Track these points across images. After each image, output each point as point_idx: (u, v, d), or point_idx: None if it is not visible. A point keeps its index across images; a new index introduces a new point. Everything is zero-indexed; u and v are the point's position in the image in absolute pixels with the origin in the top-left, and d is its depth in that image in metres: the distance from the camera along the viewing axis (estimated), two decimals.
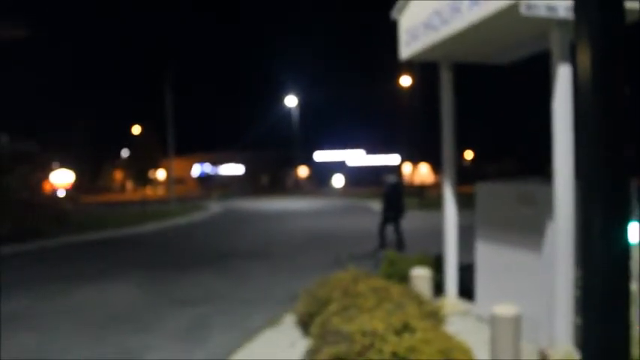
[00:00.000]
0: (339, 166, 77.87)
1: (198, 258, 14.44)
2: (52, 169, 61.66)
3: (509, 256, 6.30)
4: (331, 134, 77.23)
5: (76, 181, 73.12)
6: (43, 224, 19.66)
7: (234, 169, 77.88)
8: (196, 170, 72.42)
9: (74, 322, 8.22)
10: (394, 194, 13.78)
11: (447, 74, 7.20)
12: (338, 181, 77.20)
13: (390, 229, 14.00)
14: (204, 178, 64.63)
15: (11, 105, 26.13)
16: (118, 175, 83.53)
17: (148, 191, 31.07)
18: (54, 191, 55.19)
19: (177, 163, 51.78)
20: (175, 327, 7.72)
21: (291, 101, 54.82)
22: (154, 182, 32.90)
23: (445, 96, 7.22)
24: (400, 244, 13.50)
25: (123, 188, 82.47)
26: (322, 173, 78.04)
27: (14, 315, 8.77)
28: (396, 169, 16.32)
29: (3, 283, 11.28)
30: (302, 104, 56.91)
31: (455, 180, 7.41)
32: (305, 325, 6.33)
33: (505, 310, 5.02)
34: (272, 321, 7.59)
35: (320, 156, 78.79)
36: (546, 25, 5.14)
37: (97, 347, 6.92)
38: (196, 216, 29.55)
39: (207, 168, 65.04)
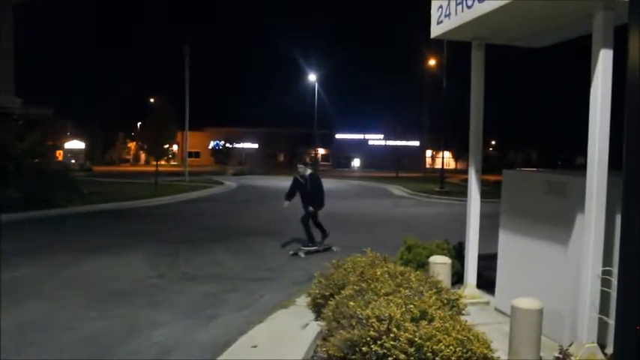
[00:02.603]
0: (359, 148, 77.61)
1: (211, 234, 14.33)
2: (65, 137, 62.20)
3: (533, 248, 6.07)
4: (351, 116, 77.04)
5: (88, 150, 73.77)
6: (54, 192, 19.65)
7: (250, 145, 77.83)
8: (212, 145, 72.54)
9: (82, 293, 8.12)
10: (313, 187, 11.87)
11: (478, 55, 6.93)
12: (357, 162, 77.04)
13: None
14: (219, 153, 64.60)
15: (28, 69, 26.05)
16: (132, 146, 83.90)
17: (162, 163, 30.99)
18: (66, 159, 55.76)
19: (192, 137, 51.95)
20: (184, 303, 7.61)
21: (312, 80, 54.40)
22: (169, 155, 33.03)
23: (475, 78, 6.95)
24: (324, 234, 12.18)
25: (137, 160, 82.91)
26: (340, 154, 77.89)
27: (22, 283, 8.72)
28: (311, 158, 14.12)
29: (12, 251, 11.27)
30: (323, 84, 56.46)
31: (480, 167, 7.17)
32: (318, 307, 6.18)
33: (526, 303, 4.82)
34: (285, 302, 7.46)
35: (339, 136, 78.48)
36: (591, 6, 4.86)
37: (102, 320, 6.81)
38: (210, 191, 29.52)
39: (222, 143, 65.09)
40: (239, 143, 73.12)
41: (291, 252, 11.46)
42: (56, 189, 19.95)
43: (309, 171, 12.03)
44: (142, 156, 74.14)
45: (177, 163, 57.78)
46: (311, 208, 11.71)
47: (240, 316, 7.03)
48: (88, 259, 10.59)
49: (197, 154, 76.11)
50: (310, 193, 11.80)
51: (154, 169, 30.45)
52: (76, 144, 70.42)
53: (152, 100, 45.89)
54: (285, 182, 38.16)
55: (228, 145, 65.47)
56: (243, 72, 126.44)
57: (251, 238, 13.48)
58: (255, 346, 5.72)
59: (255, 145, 79.83)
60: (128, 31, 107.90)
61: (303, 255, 11.18)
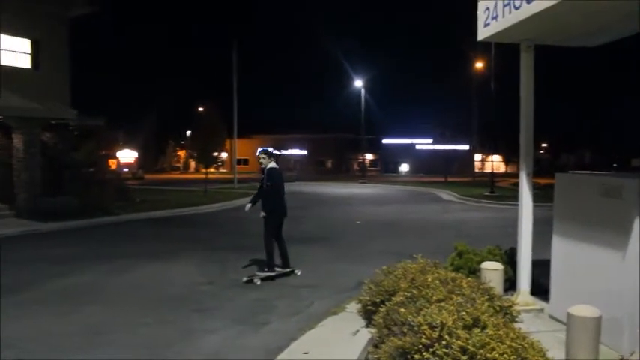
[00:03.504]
0: (407, 153, 77.13)
1: (259, 241, 14.38)
2: (117, 147, 63.72)
3: (588, 253, 5.91)
4: (399, 121, 76.70)
5: (140, 159, 75.38)
6: (107, 200, 20.18)
7: (298, 152, 78.19)
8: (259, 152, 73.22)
9: (137, 299, 8.32)
10: (269, 186, 9.70)
11: (527, 56, 6.80)
12: (405, 167, 76.57)
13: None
14: None
15: (81, 81, 26.85)
16: (182, 154, 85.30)
17: (212, 171, 31.45)
18: (118, 168, 57.08)
19: (241, 145, 52.49)
20: (235, 309, 7.68)
21: (359, 86, 54.34)
22: (218, 162, 33.56)
23: (525, 80, 6.82)
24: (285, 259, 10.08)
25: (187, 167, 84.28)
26: (389, 159, 77.54)
27: (80, 288, 8.98)
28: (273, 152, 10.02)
29: (71, 257, 11.65)
30: (370, 89, 56.35)
31: (532, 170, 7.02)
32: (369, 314, 6.15)
33: (584, 310, 4.69)
34: (334, 308, 7.45)
35: (387, 142, 78.14)
36: None
37: (157, 326, 6.96)
38: None
39: (270, 150, 65.61)
40: (287, 150, 73.58)
41: (244, 278, 9.24)
42: (110, 197, 20.49)
43: (271, 164, 9.78)
44: (192, 164, 75.38)
45: (226, 171, 58.50)
46: (262, 214, 9.59)
47: (290, 322, 7.06)
48: (142, 266, 10.83)
49: (246, 162, 76.93)
50: (265, 193, 9.71)
51: (203, 176, 30.92)
52: (128, 153, 72.09)
53: (201, 108, 46.61)
54: (333, 189, 38.35)
55: (276, 152, 65.89)
56: (291, 79, 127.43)
57: (299, 245, 13.49)
58: (307, 352, 5.73)
59: (303, 152, 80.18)
60: (178, 41, 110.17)
61: (258, 282, 9.14)
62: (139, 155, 75.53)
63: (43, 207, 18.40)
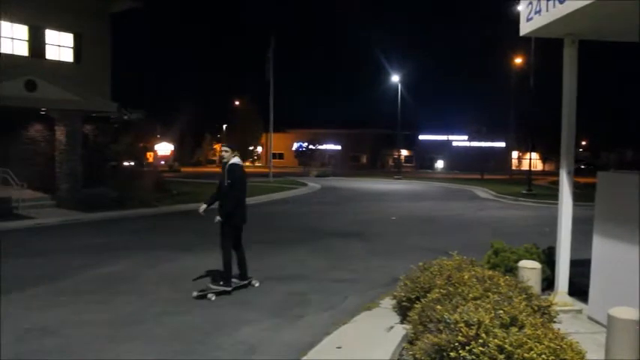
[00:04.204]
0: (442, 149, 76.46)
1: (295, 234, 14.51)
2: (155, 139, 64.64)
3: (631, 254, 5.77)
4: (435, 117, 75.99)
5: (176, 151, 76.31)
6: (145, 192, 20.50)
7: (333, 146, 78.17)
8: (295, 146, 73.53)
9: (171, 289, 8.43)
10: (230, 184, 8.23)
11: (571, 52, 6.66)
12: (440, 163, 75.95)
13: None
14: (302, 154, 65.31)
15: (121, 74, 27.30)
16: (218, 147, 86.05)
17: (248, 164, 31.68)
18: (156, 160, 57.97)
19: (277, 139, 52.71)
20: (270, 303, 7.73)
21: (396, 81, 54.00)
22: (254, 156, 33.69)
23: (568, 76, 6.68)
24: (243, 269, 8.63)
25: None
26: (424, 155, 77.00)
27: (116, 278, 9.14)
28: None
29: (108, 247, 11.88)
30: (406, 84, 55.94)
31: (572, 169, 6.89)
32: (404, 310, 6.13)
33: (625, 312, 4.58)
34: (369, 303, 7.44)
35: (422, 138, 77.56)
36: None
37: (190, 316, 7.05)
38: (295, 192, 29.85)
39: (306, 144, 65.81)
40: (322, 145, 73.67)
41: (195, 293, 7.87)
42: (147, 189, 20.81)
43: (234, 159, 8.35)
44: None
45: (261, 164, 58.91)
46: (218, 218, 8.18)
47: (324, 316, 7.07)
48: (176, 257, 10.97)
49: (281, 156, 77.24)
50: (224, 193, 8.30)
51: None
52: (165, 146, 73.03)
53: (238, 102, 47.06)
54: (367, 184, 38.27)
55: (311, 146, 66.07)
56: (327, 73, 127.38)
57: (335, 239, 13.53)
58: (340, 347, 5.73)
59: (338, 147, 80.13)
60: (216, 36, 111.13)
61: (213, 297, 7.80)
62: (175, 148, 76.49)
63: (83, 197, 18.78)
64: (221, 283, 8.12)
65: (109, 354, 5.73)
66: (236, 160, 8.37)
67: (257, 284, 8.63)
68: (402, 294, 6.27)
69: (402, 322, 6.15)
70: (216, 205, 8.41)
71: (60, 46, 21.94)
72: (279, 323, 6.78)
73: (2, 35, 20.22)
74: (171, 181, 29.47)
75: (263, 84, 40.90)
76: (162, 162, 59.19)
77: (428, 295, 5.54)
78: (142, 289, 8.39)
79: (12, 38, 20.50)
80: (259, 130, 30.91)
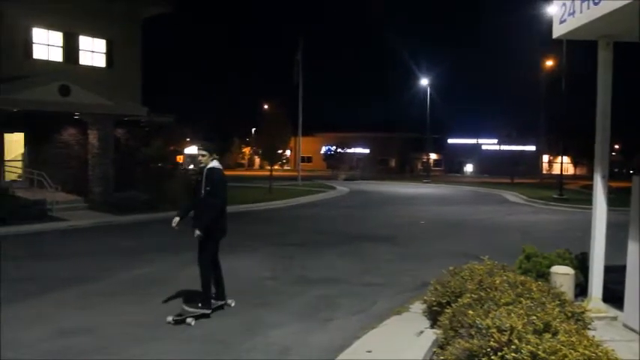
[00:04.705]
0: (471, 153, 75.84)
1: (324, 237, 14.52)
2: (185, 142, 65.25)
3: None
4: (464, 120, 75.41)
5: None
6: (175, 195, 20.70)
7: (361, 150, 78.01)
8: (324, 150, 73.46)
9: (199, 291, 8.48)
10: (209, 190, 7.21)
11: (605, 54, 6.55)
12: (469, 167, 75.34)
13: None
14: (331, 158, 65.31)
15: (152, 79, 27.63)
16: (247, 150, 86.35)
17: (276, 168, 31.77)
18: (186, 163, 58.44)
19: (305, 142, 52.80)
20: (299, 306, 7.77)
21: (424, 84, 53.68)
22: (283, 159, 33.94)
23: (602, 79, 6.58)
24: (221, 287, 7.60)
25: (251, 164, 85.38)
26: (453, 159, 76.46)
27: (149, 280, 9.27)
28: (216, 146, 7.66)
29: (141, 249, 12.05)
30: (435, 87, 55.49)
31: (607, 173, 6.77)
32: (434, 314, 6.09)
33: None
34: (398, 308, 7.41)
35: (451, 141, 76.99)
36: None
37: (224, 318, 7.12)
38: (323, 195, 29.87)
39: (334, 148, 65.78)
40: (350, 148, 73.54)
41: (170, 318, 6.83)
42: (178, 191, 21.01)
43: (213, 162, 7.32)
44: (257, 160, 76.34)
45: (290, 168, 59.05)
46: (197, 232, 7.06)
47: (354, 320, 7.07)
48: None
49: (309, 159, 77.35)
50: (203, 199, 7.23)
51: (267, 173, 31.27)
52: (195, 149, 73.74)
53: (266, 105, 47.16)
54: (396, 188, 38.10)
55: (339, 150, 66.03)
56: (356, 76, 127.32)
57: (364, 243, 13.51)
58: (370, 351, 5.73)
59: (366, 150, 79.90)
60: (244, 39, 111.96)
61: (193, 322, 6.78)
62: None
63: (115, 200, 19.05)
64: (199, 305, 7.03)
65: (144, 354, 5.80)
66: (215, 163, 7.32)
67: (233, 304, 7.57)
68: (433, 298, 6.24)
69: (432, 327, 6.11)
70: (191, 214, 7.35)
71: (93, 51, 22.34)
72: (309, 326, 6.80)
73: (39, 42, 20.67)
74: None
75: (291, 87, 41.05)
76: (192, 166, 59.65)
77: (459, 299, 5.50)
78: (174, 291, 8.48)
79: (47, 45, 20.93)
80: (287, 134, 30.97)
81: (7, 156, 19.68)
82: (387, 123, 76.08)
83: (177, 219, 7.33)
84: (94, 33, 22.27)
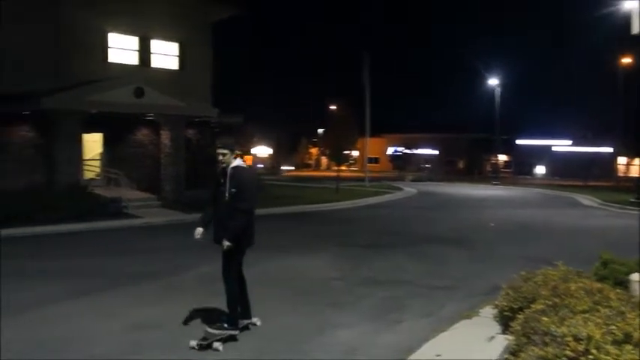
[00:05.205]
0: (542, 154, 73.70)
1: (391, 239, 14.48)
2: (253, 143, 66.34)
3: None
4: (534, 121, 73.33)
5: (274, 155, 77.81)
6: None
7: (428, 151, 77.20)
8: (391, 151, 73.02)
9: (271, 290, 8.62)
10: (236, 193, 6.24)
11: None
12: (540, 169, 73.26)
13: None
14: (398, 159, 64.95)
15: (222, 80, 28.23)
16: (314, 151, 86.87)
17: (343, 169, 31.84)
18: (254, 163, 59.47)
19: (372, 143, 52.66)
20: (367, 306, 7.77)
21: (492, 83, 52.53)
22: (349, 160, 34.20)
23: None
24: (246, 306, 6.64)
25: (318, 164, 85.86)
26: (523, 161, 74.54)
27: (216, 277, 9.42)
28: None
29: (209, 247, 12.26)
30: (505, 87, 54.19)
31: None
32: (505, 320, 5.97)
33: None
34: (468, 312, 7.31)
35: (521, 142, 75.04)
36: None
37: (292, 317, 7.22)
38: (390, 196, 29.76)
39: (401, 149, 65.38)
40: (417, 149, 72.87)
41: (193, 343, 5.97)
42: None
43: (236, 161, 6.45)
44: (324, 161, 76.71)
45: (357, 169, 59.07)
46: (227, 244, 6.19)
47: (423, 323, 7.02)
48: (275, 258, 11.22)
49: (376, 160, 77.10)
50: (228, 204, 6.27)
51: (334, 174, 31.44)
52: (263, 149, 74.64)
53: (334, 106, 47.37)
54: (465, 190, 37.53)
55: (406, 151, 65.59)
56: (424, 76, 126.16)
57: (433, 245, 13.39)
58: (439, 355, 5.68)
59: (434, 151, 78.98)
60: (312, 41, 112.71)
61: (220, 347, 5.95)
62: (273, 152, 78.06)
63: (186, 198, 19.58)
64: (225, 325, 6.19)
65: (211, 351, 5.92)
66: (239, 162, 6.47)
67: (259, 323, 6.68)
68: (504, 303, 6.11)
69: (503, 333, 6.00)
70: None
71: (165, 54, 23.05)
72: (377, 327, 6.81)
73: (114, 46, 21.53)
74: (269, 184, 30.11)
75: (359, 88, 41.06)
76: (261, 165, 60.60)
77: (531, 305, 5.37)
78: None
79: (122, 49, 21.76)
80: (354, 135, 31.15)
81: (86, 155, 20.54)
82: (455, 124, 74.88)
83: (200, 229, 6.55)
84: (167, 36, 22.98)
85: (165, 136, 21.31)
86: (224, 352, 5.90)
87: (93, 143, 21.66)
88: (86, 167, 20.69)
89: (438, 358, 5.62)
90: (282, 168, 64.15)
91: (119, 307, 7.58)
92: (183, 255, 11.36)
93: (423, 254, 12.12)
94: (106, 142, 21.64)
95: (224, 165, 6.41)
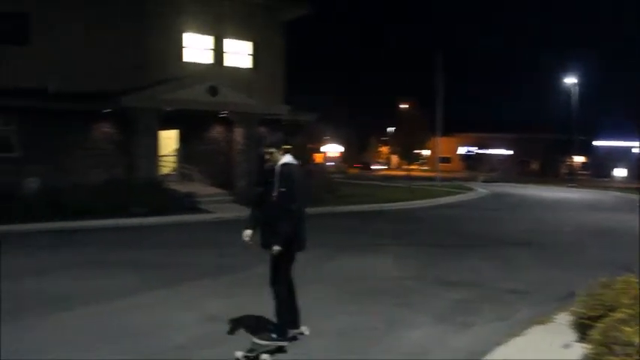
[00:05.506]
0: (622, 156, 70.66)
1: (463, 240, 14.27)
2: (324, 141, 66.65)
3: None
4: (613, 121, 70.41)
5: (344, 153, 77.91)
6: (314, 192, 21.24)
7: (501, 151, 75.46)
8: (462, 150, 71.78)
9: (338, 288, 8.69)
10: (285, 192, 5.78)
11: None
12: (621, 172, 70.19)
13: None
14: (470, 159, 63.78)
15: (294, 78, 28.50)
16: (384, 150, 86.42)
17: (414, 168, 31.59)
18: (324, 161, 59.73)
19: (443, 142, 51.98)
20: (438, 307, 7.68)
21: (569, 82, 50.72)
22: (420, 159, 33.75)
23: None
24: (294, 314, 6.18)
25: (388, 163, 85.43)
26: (601, 162, 71.70)
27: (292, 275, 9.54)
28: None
29: None
30: (582, 86, 52.22)
31: None
32: (582, 328, 5.77)
33: None
34: (542, 318, 7.09)
35: (599, 143, 72.19)
36: None
37: (359, 315, 7.21)
38: (462, 196, 29.27)
39: (473, 149, 64.16)
40: (490, 149, 71.35)
41: (239, 354, 5.56)
42: (317, 189, 21.55)
43: (285, 158, 5.95)
44: (394, 159, 76.25)
45: (428, 168, 58.46)
46: (276, 248, 5.74)
47: (494, 326, 6.86)
48: (344, 256, 11.28)
49: (447, 160, 76.05)
50: (277, 205, 5.81)
51: (404, 172, 31.19)
52: (333, 147, 74.94)
53: (404, 105, 47.06)
54: (539, 192, 36.50)
55: (479, 151, 64.34)
56: (497, 75, 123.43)
57: (506, 248, 13.08)
58: None
59: (507, 152, 77.11)
60: (383, 39, 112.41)
61: (268, 359, 5.61)
62: (343, 150, 78.21)
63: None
64: (273, 335, 5.86)
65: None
66: (289, 158, 5.96)
67: (307, 332, 6.25)
68: (582, 311, 5.91)
69: (579, 341, 5.80)
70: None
71: (238, 53, 23.52)
72: (448, 329, 6.74)
73: (189, 46, 22.18)
74: (339, 182, 30.20)
75: (430, 86, 40.61)
76: (331, 163, 60.73)
77: (611, 313, 5.18)
78: (309, 286, 8.70)
79: (197, 48, 22.39)
80: (426, 134, 30.86)
81: (162, 152, 21.20)
82: (529, 123, 72.88)
83: (249, 232, 6.05)
84: (240, 36, 23.46)
85: (238, 134, 21.74)
86: (293, 348, 5.91)
87: (169, 140, 22.32)
88: (162, 163, 21.35)
89: None
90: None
91: (194, 299, 7.84)
92: (248, 251, 11.52)
93: (495, 256, 11.86)
94: (182, 139, 22.26)
95: (272, 163, 5.93)
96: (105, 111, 19.45)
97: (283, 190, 5.74)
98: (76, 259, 10.82)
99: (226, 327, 6.52)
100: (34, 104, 18.00)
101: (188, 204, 17.99)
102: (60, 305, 7.41)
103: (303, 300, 7.74)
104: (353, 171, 61.76)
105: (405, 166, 31.54)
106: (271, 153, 5.91)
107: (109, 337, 6.24)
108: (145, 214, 16.23)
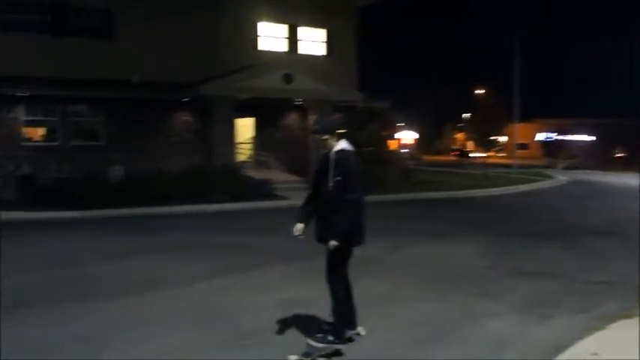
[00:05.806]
0: None
1: (542, 229, 13.88)
2: (398, 128, 66.06)
3: None
4: None
5: (418, 140, 77.01)
6: (388, 179, 21.17)
7: (583, 137, 72.54)
8: (541, 137, 69.41)
9: (417, 275, 8.68)
10: (342, 181, 5.30)
11: None
12: None
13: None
14: (549, 145, 61.59)
15: (368, 65, 28.41)
16: (460, 137, 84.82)
17: (490, 155, 30.88)
18: (398, 148, 59.18)
19: (520, 129, 50.49)
20: (517, 298, 7.51)
21: None
22: (497, 146, 32.87)
23: None
24: (352, 314, 5.74)
25: (464, 150, 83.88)
26: None
27: (369, 261, 9.53)
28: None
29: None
30: None
31: None
32: None
33: None
34: (628, 311, 6.81)
35: None
36: None
37: (440, 304, 7.14)
38: (541, 184, 28.41)
39: (552, 135, 61.86)
40: (570, 135, 68.69)
41: (293, 358, 5.20)
42: (391, 176, 21.48)
43: (340, 144, 5.50)
44: (470, 146, 74.75)
45: (505, 155, 57.01)
46: (333, 243, 5.26)
47: (576, 319, 6.65)
48: (420, 244, 11.23)
49: (524, 146, 73.80)
50: (333, 195, 5.35)
51: (481, 160, 30.50)
52: (408, 134, 74.23)
53: (480, 91, 46.01)
54: (623, 180, 34.97)
55: (559, 137, 62.11)
56: (577, 58, 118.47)
57: (587, 237, 12.60)
58: (596, 354, 5.37)
59: (589, 138, 74.04)
60: (459, 25, 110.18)
61: None
62: (417, 137, 77.35)
63: None
64: (329, 337, 5.42)
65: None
66: (344, 144, 5.50)
67: (363, 332, 5.82)
68: None
69: None
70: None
71: (313, 41, 23.64)
72: (527, 320, 6.58)
73: (263, 35, 22.52)
74: (413, 169, 29.94)
75: (507, 72, 39.54)
76: (406, 150, 60.00)
77: None
78: (386, 274, 8.71)
79: (271, 37, 22.68)
80: (502, 120, 29.92)
81: (238, 139, 21.63)
82: (612, 108, 69.85)
83: (300, 226, 5.65)
84: (314, 23, 23.57)
85: (312, 121, 21.88)
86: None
87: (245, 127, 22.76)
88: (239, 150, 21.78)
89: (594, 357, 5.32)
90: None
91: (270, 283, 8.08)
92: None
93: (576, 246, 11.46)
94: (257, 127, 22.65)
95: (326, 150, 5.51)
96: (184, 100, 20.03)
97: (339, 178, 5.31)
98: (183, 240, 11.67)
99: (297, 310, 6.66)
100: (119, 95, 18.79)
101: (264, 191, 18.30)
102: (158, 285, 7.94)
103: (382, 287, 7.77)
104: (429, 158, 60.98)
105: (481, 153, 30.85)
106: (325, 139, 5.50)
107: (199, 317, 6.53)
108: (224, 201, 16.67)
